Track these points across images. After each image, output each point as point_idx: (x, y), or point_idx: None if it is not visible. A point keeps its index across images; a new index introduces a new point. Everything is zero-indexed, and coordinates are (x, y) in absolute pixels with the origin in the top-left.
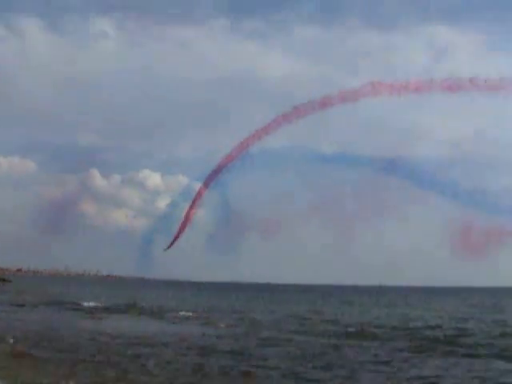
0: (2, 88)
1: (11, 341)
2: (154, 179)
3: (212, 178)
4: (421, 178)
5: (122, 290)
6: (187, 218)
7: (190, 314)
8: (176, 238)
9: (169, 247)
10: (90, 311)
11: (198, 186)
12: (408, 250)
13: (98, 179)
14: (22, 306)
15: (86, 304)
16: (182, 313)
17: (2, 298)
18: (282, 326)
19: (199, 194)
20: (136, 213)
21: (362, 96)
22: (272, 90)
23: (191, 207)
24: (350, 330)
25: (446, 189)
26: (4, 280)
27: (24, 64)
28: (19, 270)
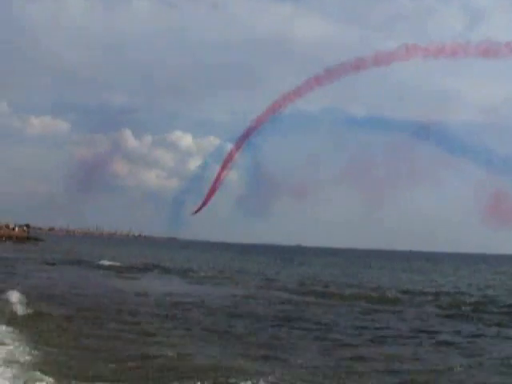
0: (34, 48)
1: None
2: (185, 140)
3: (243, 139)
4: (453, 143)
5: (151, 250)
6: (218, 180)
7: (212, 273)
8: (206, 201)
9: (198, 211)
10: (115, 269)
11: (229, 147)
12: (438, 216)
13: (129, 139)
14: (53, 264)
15: (107, 263)
16: (202, 273)
17: (34, 257)
18: (306, 289)
19: (230, 156)
20: (167, 174)
21: (395, 59)
22: (305, 52)
23: (222, 168)
24: (375, 294)
25: (479, 155)
26: (37, 239)
27: (57, 24)
28: (52, 229)
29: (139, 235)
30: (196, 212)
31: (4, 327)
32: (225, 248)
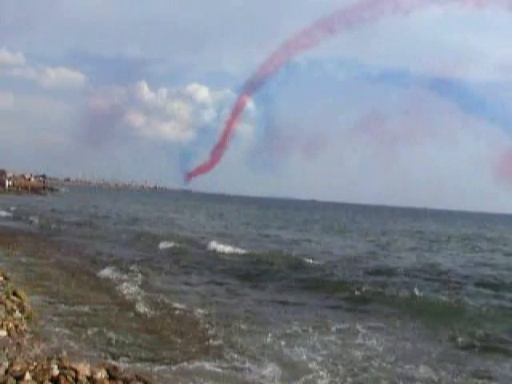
0: None
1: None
2: (201, 92)
3: (254, 85)
4: (471, 101)
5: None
6: (227, 133)
7: None
8: (211, 161)
9: (196, 174)
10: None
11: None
12: (453, 173)
13: (145, 92)
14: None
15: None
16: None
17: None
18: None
19: (241, 103)
20: (183, 126)
21: (415, 6)
22: (321, 2)
23: (233, 116)
24: None
25: (497, 114)
26: (52, 189)
27: None
28: (67, 180)
29: (155, 187)
30: (194, 175)
31: None
32: (239, 201)
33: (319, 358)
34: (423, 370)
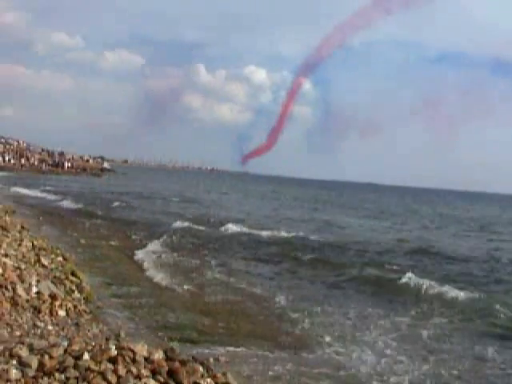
0: None
1: None
2: (258, 74)
3: (309, 67)
4: None
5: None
6: (285, 111)
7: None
8: (268, 144)
9: (250, 156)
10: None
11: (300, 81)
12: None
13: (202, 74)
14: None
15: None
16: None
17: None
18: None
19: (296, 85)
20: (241, 108)
21: None
22: None
23: (289, 99)
24: None
25: None
26: (110, 170)
27: None
28: (125, 162)
29: (212, 169)
30: (250, 157)
31: None
32: (296, 183)
33: (394, 344)
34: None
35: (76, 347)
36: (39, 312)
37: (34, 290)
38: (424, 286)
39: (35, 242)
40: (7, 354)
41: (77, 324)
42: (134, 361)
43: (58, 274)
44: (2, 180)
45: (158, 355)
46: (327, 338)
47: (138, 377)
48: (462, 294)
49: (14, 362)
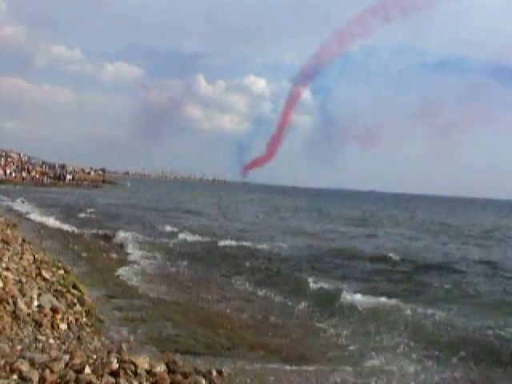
0: None
1: None
2: (258, 84)
3: (308, 75)
4: None
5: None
6: (284, 120)
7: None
8: (267, 155)
9: (250, 167)
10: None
11: (300, 90)
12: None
13: (202, 84)
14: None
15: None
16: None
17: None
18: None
19: (295, 94)
20: (241, 118)
21: None
22: None
23: (288, 108)
24: None
25: None
26: (111, 182)
27: None
28: (127, 174)
29: (213, 180)
30: (250, 168)
31: None
32: (295, 193)
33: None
34: None
35: (77, 361)
36: (40, 326)
37: (36, 303)
38: None
39: (36, 256)
40: (8, 368)
41: (78, 337)
42: (135, 374)
43: (59, 287)
44: (3, 193)
45: (160, 368)
46: (331, 353)
47: None
48: None
49: (15, 376)
